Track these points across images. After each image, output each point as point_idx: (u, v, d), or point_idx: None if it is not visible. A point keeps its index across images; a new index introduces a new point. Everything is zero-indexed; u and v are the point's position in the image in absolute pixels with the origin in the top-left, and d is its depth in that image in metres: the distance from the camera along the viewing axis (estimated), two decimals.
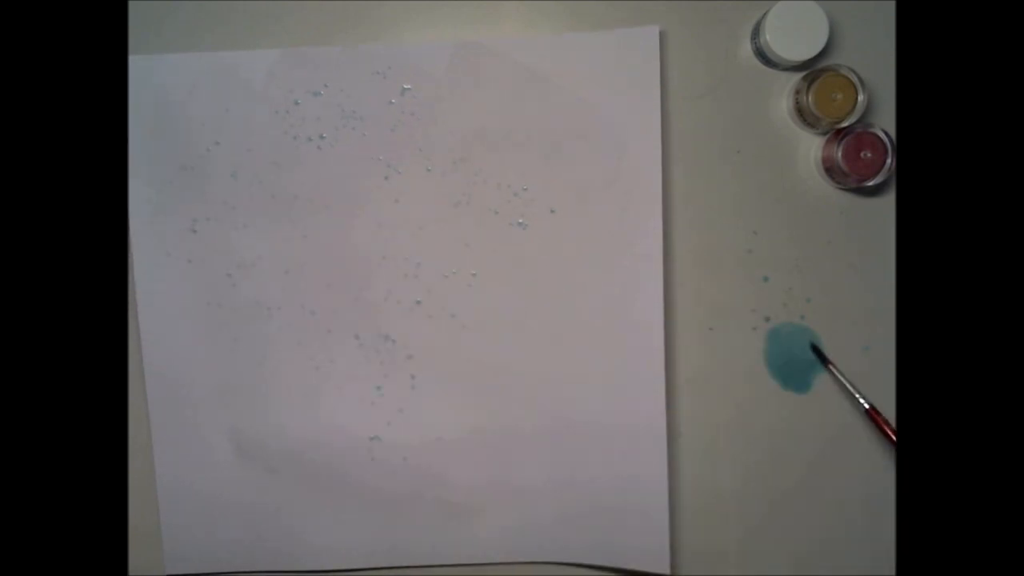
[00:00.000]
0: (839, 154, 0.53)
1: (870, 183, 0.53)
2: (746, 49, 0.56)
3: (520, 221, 0.56)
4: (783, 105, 0.56)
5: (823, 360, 0.56)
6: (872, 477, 0.57)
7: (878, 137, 0.53)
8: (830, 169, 0.55)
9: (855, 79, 0.53)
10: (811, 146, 0.56)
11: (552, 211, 0.56)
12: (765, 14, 0.54)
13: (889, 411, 0.55)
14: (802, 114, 0.55)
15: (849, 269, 0.57)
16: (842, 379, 0.55)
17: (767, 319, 0.57)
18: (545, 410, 0.56)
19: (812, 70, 0.54)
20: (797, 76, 0.55)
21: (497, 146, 0.56)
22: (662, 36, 0.55)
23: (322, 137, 0.56)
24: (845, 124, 0.54)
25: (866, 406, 0.54)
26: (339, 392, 0.57)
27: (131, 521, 0.57)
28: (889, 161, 0.53)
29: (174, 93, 0.56)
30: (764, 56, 0.55)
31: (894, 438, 0.52)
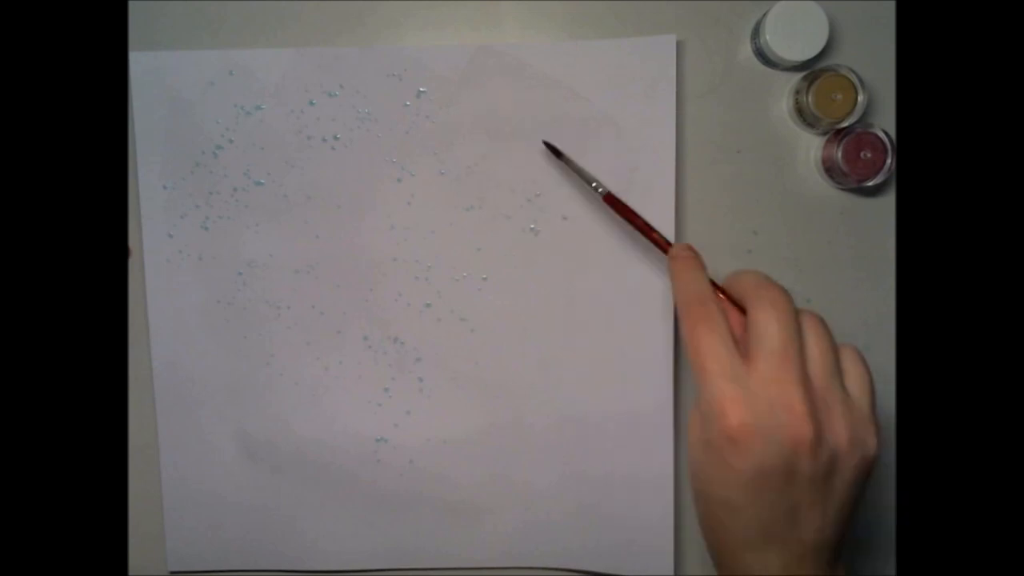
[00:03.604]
0: (839, 154, 0.53)
1: (870, 183, 0.53)
2: (746, 49, 0.56)
3: (532, 227, 0.56)
4: (783, 105, 0.56)
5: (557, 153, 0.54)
6: (871, 477, 0.58)
7: (878, 137, 0.53)
8: (830, 169, 0.55)
9: (855, 79, 0.53)
10: (811, 146, 0.56)
11: (564, 218, 0.56)
12: (765, 14, 0.54)
13: (889, 411, 0.56)
14: (802, 114, 0.55)
15: (849, 269, 0.57)
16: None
17: None
18: (553, 415, 0.57)
19: (812, 70, 0.54)
20: (797, 76, 0.55)
21: (511, 151, 0.56)
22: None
23: (336, 138, 0.56)
24: (845, 124, 0.54)
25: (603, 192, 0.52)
26: (346, 393, 0.57)
27: (135, 519, 0.58)
28: (889, 161, 0.53)
29: (189, 90, 0.56)
30: (764, 56, 0.55)
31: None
